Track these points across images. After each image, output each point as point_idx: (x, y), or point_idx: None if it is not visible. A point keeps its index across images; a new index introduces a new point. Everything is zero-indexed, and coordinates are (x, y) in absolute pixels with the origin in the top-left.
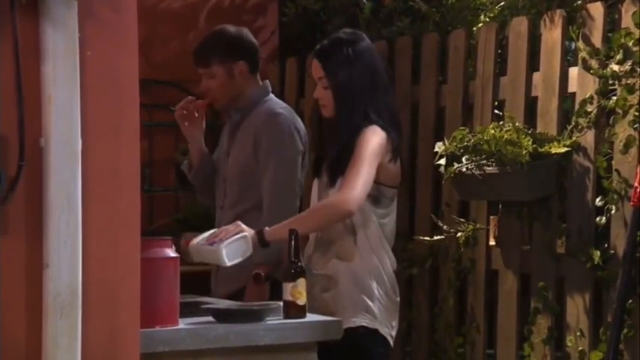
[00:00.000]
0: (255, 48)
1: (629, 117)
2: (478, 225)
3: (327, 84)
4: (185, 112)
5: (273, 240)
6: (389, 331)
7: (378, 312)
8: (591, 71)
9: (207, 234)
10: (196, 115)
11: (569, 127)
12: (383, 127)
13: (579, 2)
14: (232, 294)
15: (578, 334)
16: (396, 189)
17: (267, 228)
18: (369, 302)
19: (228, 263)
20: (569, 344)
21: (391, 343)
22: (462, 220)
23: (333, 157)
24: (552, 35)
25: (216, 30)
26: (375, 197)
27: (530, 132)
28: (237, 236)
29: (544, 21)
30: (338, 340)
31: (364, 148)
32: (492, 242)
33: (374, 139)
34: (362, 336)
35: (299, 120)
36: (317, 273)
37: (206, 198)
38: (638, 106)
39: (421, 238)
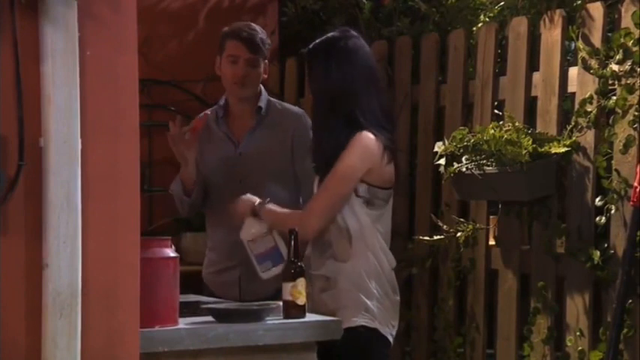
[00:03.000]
0: None
1: (629, 117)
2: (478, 225)
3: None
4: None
5: (265, 219)
6: (389, 330)
7: (377, 311)
8: (591, 71)
9: (254, 226)
10: (191, 135)
11: (568, 127)
12: (371, 131)
13: (579, 2)
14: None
15: (578, 333)
16: (391, 189)
17: (268, 206)
18: (368, 302)
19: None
20: (568, 344)
21: (391, 342)
22: (461, 220)
23: (322, 160)
24: (552, 35)
25: (253, 24)
26: (367, 200)
27: (529, 132)
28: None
29: (544, 21)
30: (338, 339)
31: (341, 166)
32: (492, 242)
33: (357, 150)
34: (362, 335)
35: None
36: (315, 273)
37: (194, 209)
38: (637, 106)
39: (421, 238)
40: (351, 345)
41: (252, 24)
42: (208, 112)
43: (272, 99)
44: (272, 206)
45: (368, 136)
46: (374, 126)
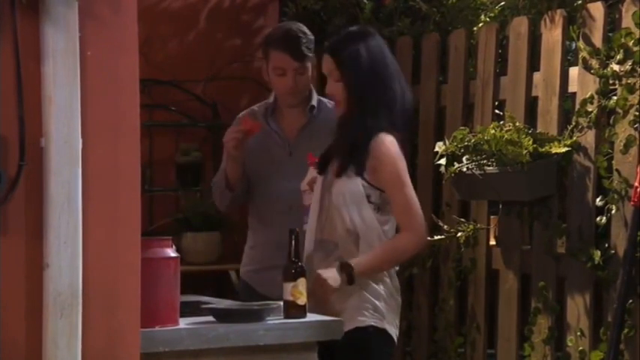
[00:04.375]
0: None
1: (630, 117)
2: (478, 225)
3: (338, 77)
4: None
5: (365, 275)
6: (395, 330)
7: (385, 312)
8: (592, 71)
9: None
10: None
11: (569, 127)
12: (390, 130)
13: (580, 2)
14: None
15: (579, 333)
16: None
17: (354, 264)
18: (377, 302)
19: None
20: (569, 344)
21: (396, 342)
22: (462, 220)
23: (344, 155)
24: (553, 35)
25: (298, 26)
26: (377, 205)
27: (530, 132)
28: None
29: (544, 21)
30: (345, 339)
31: (398, 168)
32: (493, 242)
33: (396, 148)
34: (371, 335)
35: None
36: None
37: (235, 205)
38: (638, 106)
39: None
40: (360, 345)
41: (295, 26)
42: (256, 107)
43: (321, 98)
44: (360, 261)
45: (389, 139)
46: (391, 127)
